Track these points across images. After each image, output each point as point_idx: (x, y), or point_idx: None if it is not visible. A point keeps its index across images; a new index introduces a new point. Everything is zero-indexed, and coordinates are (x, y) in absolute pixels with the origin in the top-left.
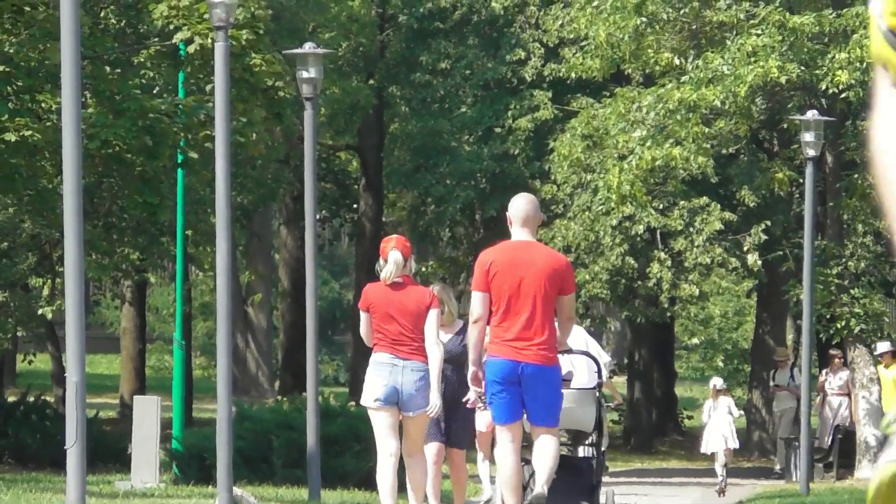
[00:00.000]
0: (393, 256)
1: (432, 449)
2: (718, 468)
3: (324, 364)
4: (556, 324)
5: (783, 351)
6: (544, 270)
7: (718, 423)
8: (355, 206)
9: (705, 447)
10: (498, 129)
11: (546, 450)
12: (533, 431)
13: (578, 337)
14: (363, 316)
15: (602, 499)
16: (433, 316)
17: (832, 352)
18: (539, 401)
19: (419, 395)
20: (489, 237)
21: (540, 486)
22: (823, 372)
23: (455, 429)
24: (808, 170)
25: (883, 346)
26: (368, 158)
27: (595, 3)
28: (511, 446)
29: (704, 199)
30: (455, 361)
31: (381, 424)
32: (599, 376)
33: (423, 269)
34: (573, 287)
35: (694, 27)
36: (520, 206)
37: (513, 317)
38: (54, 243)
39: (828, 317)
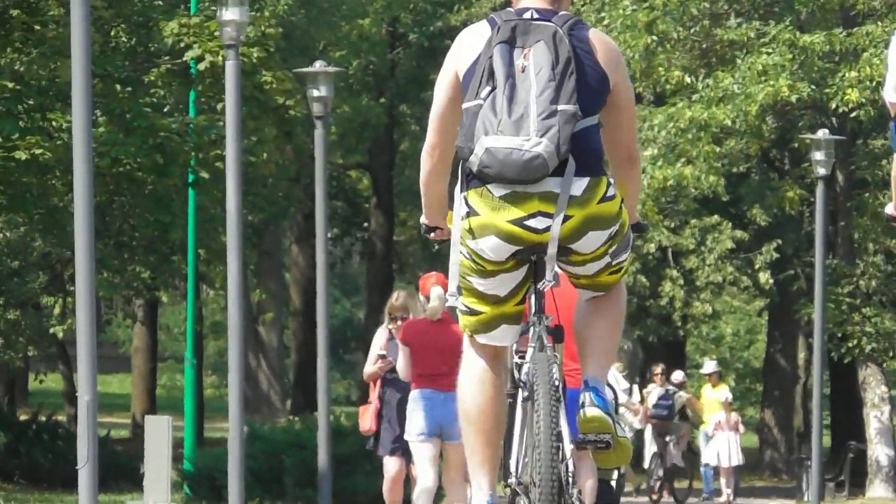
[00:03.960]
0: (436, 292)
1: (395, 464)
2: (723, 484)
3: (335, 383)
4: None
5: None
6: (572, 298)
7: (724, 437)
8: (366, 224)
9: (707, 459)
10: None
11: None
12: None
13: None
14: (403, 349)
15: None
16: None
17: (656, 369)
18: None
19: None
20: None
21: None
22: (648, 388)
23: None
24: (819, 189)
25: (710, 367)
26: (379, 177)
27: (605, 22)
28: None
29: (716, 218)
30: None
31: (423, 457)
32: (616, 402)
33: None
34: None
35: (704, 46)
36: None
37: None
38: (65, 262)
39: (839, 336)
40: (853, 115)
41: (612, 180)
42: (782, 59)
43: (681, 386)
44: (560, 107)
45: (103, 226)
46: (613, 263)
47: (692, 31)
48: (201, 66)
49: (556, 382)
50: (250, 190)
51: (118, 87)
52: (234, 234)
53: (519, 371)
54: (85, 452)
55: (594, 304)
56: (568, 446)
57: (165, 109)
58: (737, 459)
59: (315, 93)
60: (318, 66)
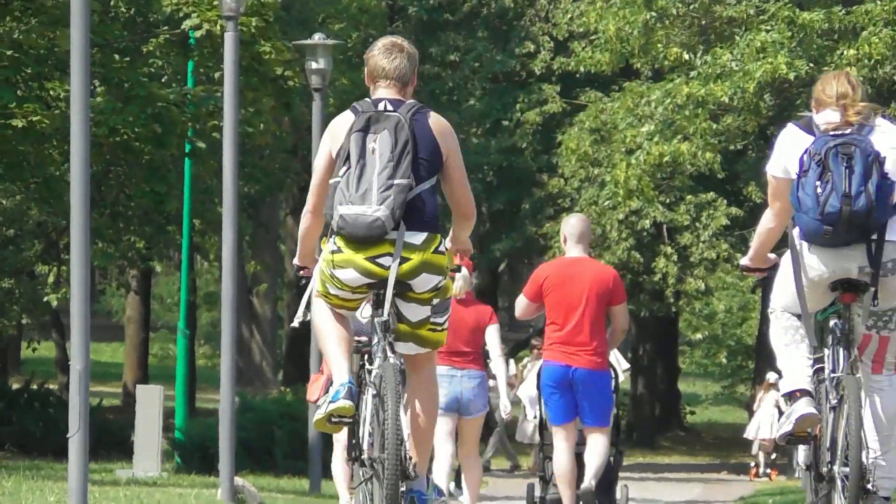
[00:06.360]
0: (461, 273)
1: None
2: (758, 454)
3: None
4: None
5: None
6: (593, 284)
7: (763, 413)
8: None
9: (748, 433)
10: (506, 122)
11: (595, 448)
12: (585, 430)
13: None
14: None
15: (618, 494)
16: (493, 332)
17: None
18: (590, 403)
19: (477, 399)
20: (496, 230)
21: (588, 480)
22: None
23: None
24: None
25: None
26: None
27: None
28: (566, 445)
29: (711, 195)
30: None
31: (440, 431)
32: (616, 381)
33: None
34: (623, 297)
35: (703, 22)
36: (574, 224)
37: (565, 326)
38: (61, 231)
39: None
40: None
41: (444, 239)
42: (781, 36)
43: None
44: (395, 181)
45: (99, 195)
46: (432, 319)
47: (691, 7)
48: (198, 34)
49: (399, 385)
50: (247, 161)
51: (116, 56)
52: (231, 205)
53: (369, 374)
54: (76, 421)
55: (411, 391)
56: (405, 431)
57: (164, 79)
58: (769, 433)
59: (313, 65)
60: (317, 38)
